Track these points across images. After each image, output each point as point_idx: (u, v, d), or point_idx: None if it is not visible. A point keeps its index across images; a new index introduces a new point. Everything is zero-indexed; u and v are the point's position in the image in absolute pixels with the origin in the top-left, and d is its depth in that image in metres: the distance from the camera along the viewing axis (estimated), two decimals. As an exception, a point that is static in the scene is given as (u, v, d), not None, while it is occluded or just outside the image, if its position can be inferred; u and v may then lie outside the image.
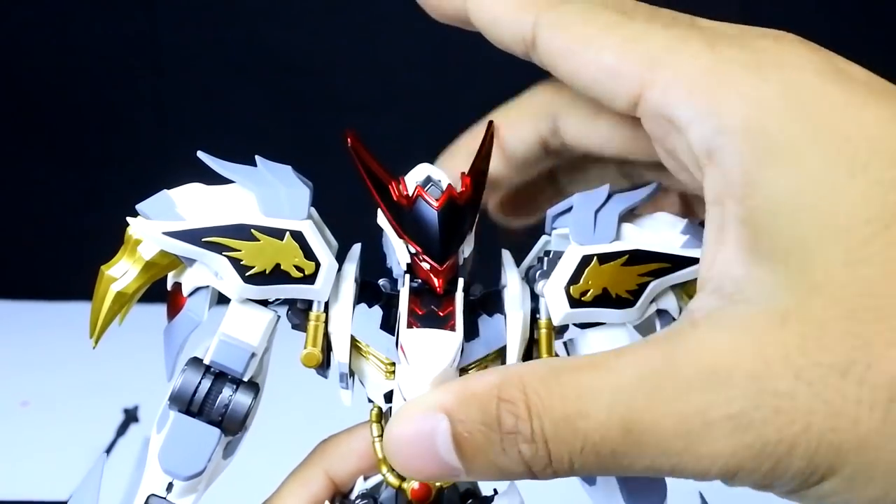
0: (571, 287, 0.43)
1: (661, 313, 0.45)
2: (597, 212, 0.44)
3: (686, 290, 0.45)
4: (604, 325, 0.45)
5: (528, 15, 0.43)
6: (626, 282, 0.43)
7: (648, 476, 0.38)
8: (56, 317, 1.38)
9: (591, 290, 0.43)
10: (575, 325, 0.46)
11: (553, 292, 0.44)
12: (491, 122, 0.46)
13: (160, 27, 1.33)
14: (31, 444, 1.08)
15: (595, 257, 0.43)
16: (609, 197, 0.45)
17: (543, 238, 0.47)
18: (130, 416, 1.10)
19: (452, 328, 0.41)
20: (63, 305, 1.40)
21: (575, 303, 0.43)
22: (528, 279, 0.46)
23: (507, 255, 0.47)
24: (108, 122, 1.37)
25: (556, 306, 0.44)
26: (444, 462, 0.37)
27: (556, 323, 0.45)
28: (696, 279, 0.40)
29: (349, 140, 0.43)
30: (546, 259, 0.46)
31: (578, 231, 0.44)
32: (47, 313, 1.40)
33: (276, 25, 1.33)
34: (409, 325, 0.41)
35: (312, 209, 0.45)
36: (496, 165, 0.47)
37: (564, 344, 0.47)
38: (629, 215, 0.45)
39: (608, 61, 0.41)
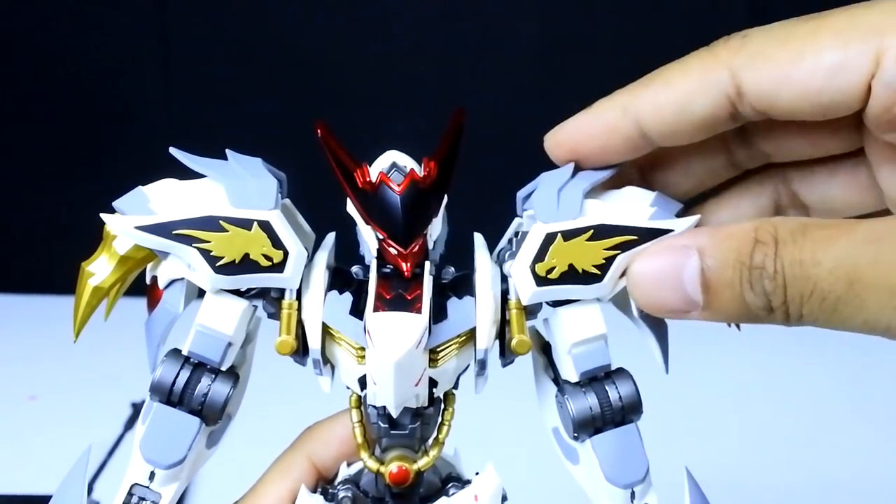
0: (537, 265, 0.43)
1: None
2: (560, 190, 0.44)
3: None
4: (576, 302, 0.45)
5: (721, 71, 0.42)
6: (592, 257, 0.43)
7: (863, 333, 0.39)
8: (64, 311, 1.36)
9: (557, 267, 0.43)
10: (547, 303, 0.46)
11: (519, 272, 0.44)
12: (460, 109, 0.45)
13: (169, 22, 1.33)
14: (38, 438, 1.08)
15: (559, 234, 0.43)
16: (574, 174, 0.45)
17: (516, 220, 0.47)
18: (138, 410, 1.10)
19: (418, 311, 0.42)
20: (71, 300, 1.40)
21: (541, 281, 0.43)
22: (500, 261, 0.46)
23: (478, 238, 0.47)
24: (117, 117, 1.38)
25: (522, 286, 0.44)
26: (686, 295, 0.40)
27: (524, 303, 0.45)
28: None
29: (318, 130, 0.43)
30: (515, 240, 0.46)
31: (542, 209, 0.44)
32: (55, 307, 1.39)
33: (286, 20, 1.33)
34: (376, 309, 0.42)
35: (287, 200, 0.46)
36: (664, 120, 0.46)
37: (545, 321, 0.47)
38: (597, 191, 0.45)
39: (830, 59, 0.39)
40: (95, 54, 1.35)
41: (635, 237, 0.43)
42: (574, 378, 0.45)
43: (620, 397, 0.45)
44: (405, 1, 1.30)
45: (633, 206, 0.45)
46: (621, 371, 0.46)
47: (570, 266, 0.43)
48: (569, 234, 0.43)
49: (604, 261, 0.43)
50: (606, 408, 0.45)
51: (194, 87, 1.36)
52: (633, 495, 0.44)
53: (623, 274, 0.44)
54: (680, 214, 0.45)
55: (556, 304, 0.45)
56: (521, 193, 0.46)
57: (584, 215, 0.44)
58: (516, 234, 0.47)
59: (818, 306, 0.38)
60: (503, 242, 0.48)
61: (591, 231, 0.43)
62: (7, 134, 1.40)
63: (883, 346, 1.25)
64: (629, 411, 0.45)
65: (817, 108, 0.41)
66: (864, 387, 1.19)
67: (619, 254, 0.43)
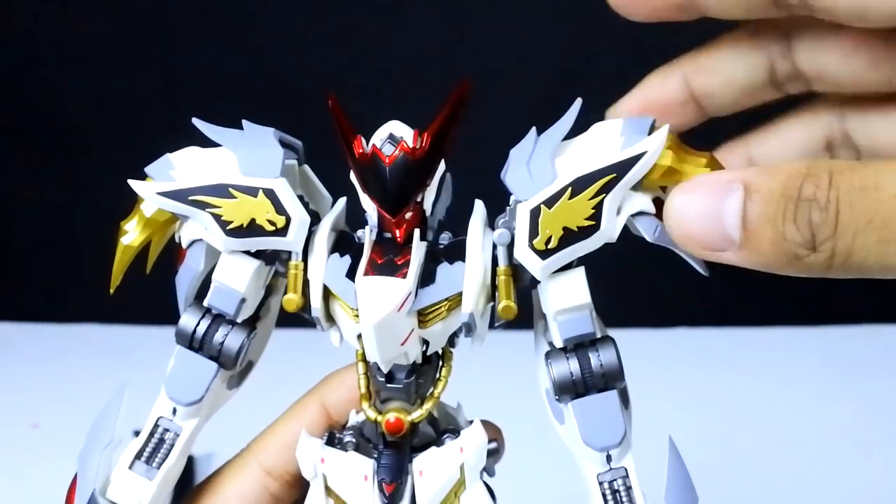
0: (533, 241, 0.45)
1: (638, 216, 0.46)
2: (528, 162, 0.46)
3: (647, 184, 0.45)
4: (563, 271, 0.47)
5: None
6: (580, 212, 0.45)
7: None
8: (67, 339, 1.39)
9: (553, 235, 0.45)
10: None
11: (522, 255, 0.46)
12: (465, 81, 0.47)
13: (170, 47, 1.34)
14: (41, 467, 1.08)
15: (541, 205, 0.45)
16: (538, 140, 0.46)
17: None
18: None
19: (404, 276, 0.45)
20: (74, 328, 1.41)
21: (544, 254, 0.45)
22: (493, 227, 0.48)
23: (478, 205, 0.49)
24: (120, 141, 1.38)
25: (531, 265, 0.46)
26: (723, 231, 0.39)
27: (541, 279, 0.47)
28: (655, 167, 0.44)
29: (330, 101, 0.46)
30: (509, 209, 0.48)
31: (518, 188, 0.46)
32: (59, 336, 1.41)
33: (286, 47, 1.34)
34: (366, 273, 0.45)
35: (305, 167, 0.51)
36: (712, 85, 0.47)
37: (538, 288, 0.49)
38: (564, 145, 0.46)
39: None
40: (95, 76, 1.36)
41: (613, 175, 0.44)
42: (559, 343, 0.47)
43: (602, 364, 0.47)
44: (406, 27, 1.31)
45: (602, 143, 0.46)
46: (607, 339, 0.48)
47: (565, 228, 0.45)
48: (550, 201, 0.45)
49: (593, 210, 0.45)
50: (588, 373, 0.47)
51: (194, 97, 1.37)
52: (609, 458, 0.47)
53: (620, 211, 0.45)
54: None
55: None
56: (502, 175, 0.47)
57: (557, 177, 0.45)
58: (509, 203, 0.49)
59: (874, 238, 0.36)
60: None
61: (570, 189, 0.45)
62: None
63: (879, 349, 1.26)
64: (610, 378, 0.47)
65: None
66: (860, 392, 1.21)
67: (604, 196, 0.45)
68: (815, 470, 1.07)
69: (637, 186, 0.45)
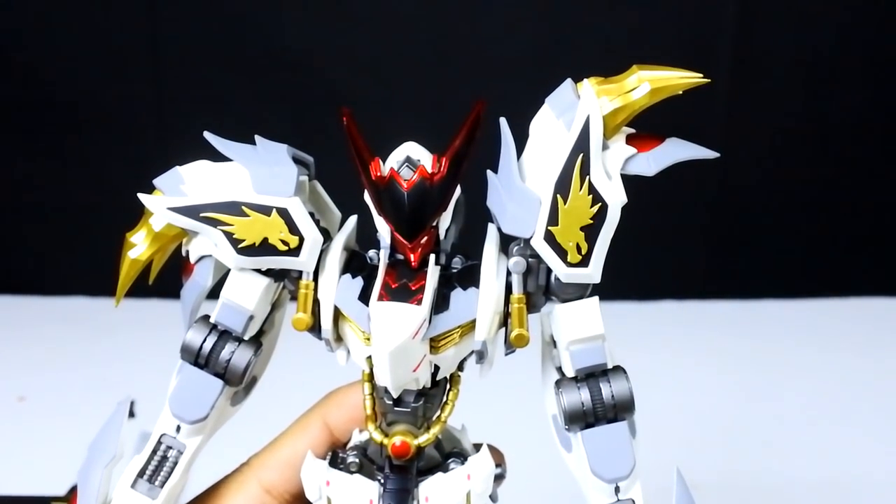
0: (568, 260, 0.45)
1: (627, 164, 0.46)
2: (509, 204, 0.46)
3: (610, 134, 0.46)
4: (575, 301, 0.47)
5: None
6: (582, 205, 0.45)
7: None
8: (53, 312, 1.39)
9: (578, 242, 0.45)
10: (549, 299, 0.48)
11: (571, 277, 0.46)
12: (480, 101, 0.47)
13: (159, 22, 1.33)
14: (27, 440, 1.08)
15: (548, 229, 0.45)
16: (501, 181, 0.47)
17: None
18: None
19: (419, 302, 0.44)
20: (60, 301, 1.41)
21: (585, 261, 0.46)
22: (510, 255, 0.48)
23: (491, 230, 0.48)
24: (108, 117, 1.37)
25: (585, 279, 0.46)
26: None
27: (598, 281, 0.46)
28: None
29: (344, 118, 0.46)
30: (522, 241, 0.47)
31: (520, 229, 0.46)
32: (44, 308, 1.40)
33: (276, 20, 1.33)
34: (380, 298, 0.45)
35: (315, 182, 0.50)
36: None
37: (549, 315, 0.49)
38: (522, 164, 0.46)
39: None
40: (84, 54, 1.35)
41: (580, 154, 0.45)
42: (570, 373, 0.47)
43: (613, 395, 0.46)
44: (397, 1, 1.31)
45: (549, 137, 0.46)
46: (618, 370, 0.47)
47: (583, 229, 0.45)
48: (552, 219, 0.45)
49: (590, 196, 0.45)
50: (598, 404, 0.46)
51: (185, 88, 1.36)
52: (617, 489, 0.46)
53: (611, 176, 0.45)
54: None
55: (552, 297, 0.48)
56: (502, 228, 0.47)
57: (540, 196, 0.45)
58: None
59: None
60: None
61: (558, 196, 0.45)
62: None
63: (873, 347, 1.27)
64: (621, 409, 0.47)
65: None
66: (855, 388, 1.21)
67: (589, 178, 0.45)
68: (803, 439, 1.08)
69: (604, 143, 0.45)
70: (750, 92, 1.35)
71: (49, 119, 1.39)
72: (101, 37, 1.35)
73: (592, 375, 0.47)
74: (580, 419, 0.47)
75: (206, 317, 0.50)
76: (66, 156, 1.40)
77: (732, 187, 1.41)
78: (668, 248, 1.42)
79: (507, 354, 0.49)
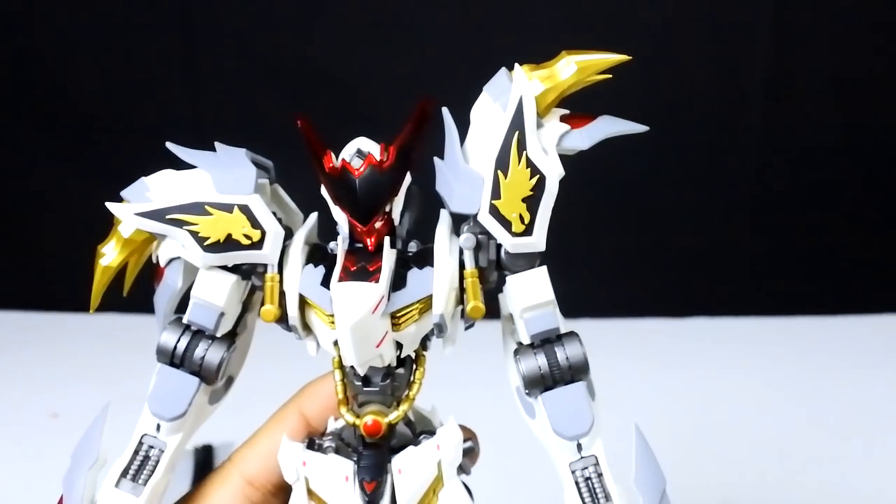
0: (513, 230, 0.48)
1: (562, 140, 0.49)
2: (455, 185, 0.49)
3: (544, 113, 0.49)
4: (523, 272, 0.50)
5: None
6: (522, 179, 0.48)
7: None
8: (86, 329, 1.39)
9: (520, 213, 0.48)
10: (500, 272, 0.51)
11: (516, 245, 0.49)
12: (426, 100, 0.49)
13: (196, 35, 1.35)
14: (60, 456, 1.08)
15: (492, 203, 0.48)
16: (446, 165, 0.50)
17: None
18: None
19: (376, 281, 0.47)
20: (93, 317, 1.41)
21: (528, 230, 0.48)
22: (459, 233, 0.50)
23: (443, 214, 0.51)
24: (145, 135, 1.38)
25: (529, 247, 0.49)
26: None
27: (543, 248, 0.49)
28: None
29: (299, 123, 0.48)
30: (472, 220, 0.50)
31: (466, 206, 0.49)
32: (77, 325, 1.41)
33: (312, 36, 1.34)
34: (340, 279, 0.47)
35: (276, 185, 0.53)
36: None
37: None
38: (465, 149, 0.50)
39: None
40: (120, 64, 1.37)
41: (516, 132, 0.48)
42: (526, 340, 0.50)
43: (567, 357, 0.49)
44: (430, 23, 1.31)
45: (488, 121, 0.49)
46: (572, 334, 0.50)
47: (524, 200, 0.48)
48: (495, 194, 0.48)
49: (528, 169, 0.48)
50: (555, 367, 0.49)
51: (219, 101, 1.37)
52: (579, 447, 0.49)
53: (547, 151, 0.48)
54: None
55: (504, 271, 0.50)
56: (449, 208, 0.50)
57: (482, 174, 0.48)
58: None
59: None
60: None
61: (498, 172, 0.48)
62: (28, 154, 1.41)
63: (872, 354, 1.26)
64: (577, 371, 0.49)
65: None
66: (857, 381, 1.21)
67: (526, 153, 0.48)
68: (834, 458, 1.07)
69: (539, 122, 0.48)
70: (784, 106, 1.34)
71: (87, 134, 1.41)
72: (137, 53, 1.36)
73: (548, 341, 0.50)
74: (539, 383, 0.49)
75: (179, 318, 0.52)
76: (101, 172, 1.41)
77: (768, 200, 1.39)
78: (701, 266, 1.41)
79: (466, 329, 0.51)
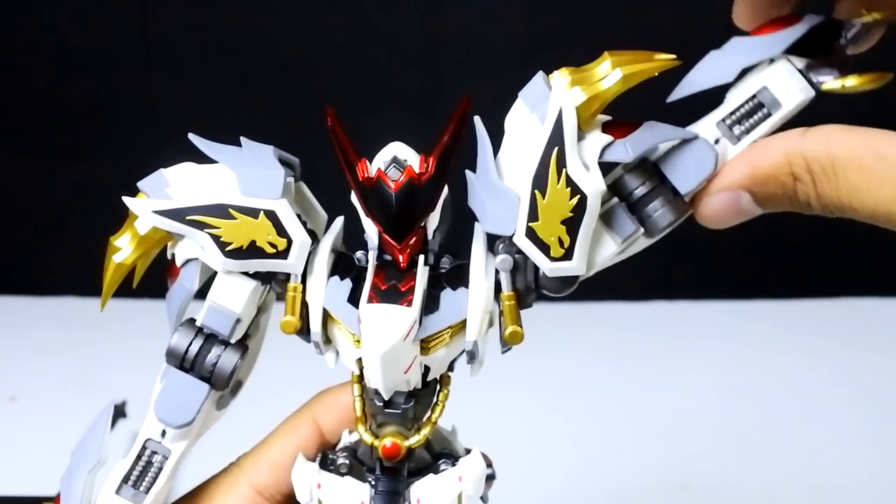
0: (551, 254, 0.45)
1: (605, 152, 0.45)
2: (489, 203, 0.45)
3: (585, 125, 0.45)
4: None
5: None
6: (561, 199, 0.44)
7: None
8: (45, 312, 1.38)
9: (559, 236, 0.44)
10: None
11: (556, 270, 0.45)
12: (466, 98, 0.46)
13: (149, 18, 1.33)
14: (19, 440, 1.08)
15: (529, 225, 0.44)
16: (479, 180, 0.46)
17: None
18: (119, 412, 1.10)
19: (409, 304, 0.44)
20: (52, 301, 1.41)
21: (568, 255, 0.45)
22: (494, 251, 0.47)
23: (478, 228, 0.48)
24: (97, 116, 1.37)
25: (571, 272, 0.45)
26: (746, 213, 0.45)
27: (587, 275, 0.46)
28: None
29: (328, 119, 0.45)
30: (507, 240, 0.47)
31: (502, 227, 0.45)
32: (36, 308, 1.40)
33: (268, 18, 1.33)
34: (370, 300, 0.44)
35: (301, 183, 0.49)
36: None
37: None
38: (499, 161, 0.46)
39: None
40: (74, 52, 1.35)
41: (555, 148, 0.43)
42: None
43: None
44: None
45: (524, 133, 0.45)
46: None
47: (563, 222, 0.44)
48: (532, 216, 0.44)
49: (569, 188, 0.43)
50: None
51: (175, 86, 1.36)
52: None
53: (588, 167, 0.44)
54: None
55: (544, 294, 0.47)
56: (483, 228, 0.47)
57: (519, 193, 0.44)
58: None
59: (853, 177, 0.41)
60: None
61: (536, 192, 0.44)
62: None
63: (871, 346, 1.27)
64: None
65: None
66: (849, 389, 1.21)
67: (566, 170, 0.43)
68: (792, 440, 1.08)
69: (580, 134, 0.44)
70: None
71: (38, 118, 1.38)
72: (91, 35, 1.34)
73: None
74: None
75: (192, 320, 0.49)
76: (56, 155, 1.39)
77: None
78: (659, 249, 1.42)
79: (503, 352, 0.48)
